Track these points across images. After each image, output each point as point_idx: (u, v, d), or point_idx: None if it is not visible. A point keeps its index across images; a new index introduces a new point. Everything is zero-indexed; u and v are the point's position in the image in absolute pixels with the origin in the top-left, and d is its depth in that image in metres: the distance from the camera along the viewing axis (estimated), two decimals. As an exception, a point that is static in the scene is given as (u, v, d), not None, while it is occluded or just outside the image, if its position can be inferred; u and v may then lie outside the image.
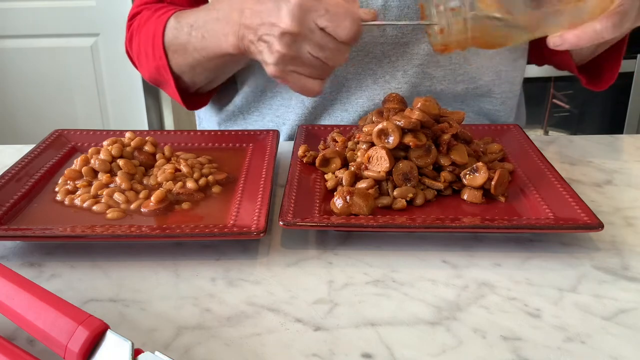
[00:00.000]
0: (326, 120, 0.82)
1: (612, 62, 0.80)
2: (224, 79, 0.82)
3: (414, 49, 0.78)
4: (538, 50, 0.88)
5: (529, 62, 0.91)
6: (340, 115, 0.81)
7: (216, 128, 0.91)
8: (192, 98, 0.83)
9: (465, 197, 0.58)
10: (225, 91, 0.87)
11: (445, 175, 0.59)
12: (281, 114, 0.83)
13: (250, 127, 0.86)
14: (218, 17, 0.70)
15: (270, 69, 0.63)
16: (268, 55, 0.63)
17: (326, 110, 0.82)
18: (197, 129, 0.99)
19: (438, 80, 0.80)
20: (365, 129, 0.62)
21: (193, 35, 0.72)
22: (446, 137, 0.59)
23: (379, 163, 0.58)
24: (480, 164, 0.59)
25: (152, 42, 0.77)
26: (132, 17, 0.85)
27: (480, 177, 0.58)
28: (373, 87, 0.80)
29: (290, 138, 0.82)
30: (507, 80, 0.86)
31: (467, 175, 0.58)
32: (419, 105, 0.60)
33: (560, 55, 0.84)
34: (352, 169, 0.60)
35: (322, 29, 0.60)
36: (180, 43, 0.74)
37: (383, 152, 0.58)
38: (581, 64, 0.84)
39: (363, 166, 0.59)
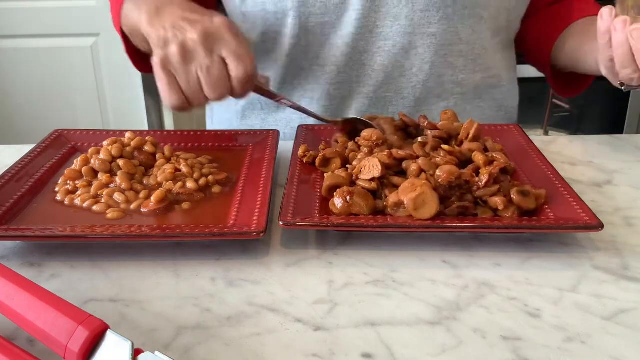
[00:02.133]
0: (352, 114, 0.82)
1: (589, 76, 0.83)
2: None
3: (440, 39, 0.78)
4: (522, 42, 0.91)
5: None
6: (369, 110, 0.82)
7: (233, 118, 0.91)
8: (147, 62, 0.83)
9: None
10: None
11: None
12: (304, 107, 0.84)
13: (269, 118, 0.87)
14: (145, 8, 0.68)
15: (157, 56, 0.63)
16: (163, 43, 0.62)
17: (351, 102, 0.82)
18: (208, 117, 0.98)
19: (459, 69, 0.81)
20: (364, 133, 0.63)
21: (132, 5, 0.72)
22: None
23: (370, 171, 0.58)
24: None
25: (115, 5, 0.77)
26: None
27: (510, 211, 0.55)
28: (400, 80, 0.80)
29: None
30: (511, 66, 0.89)
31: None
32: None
33: (539, 54, 0.87)
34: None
35: (221, 58, 0.61)
36: (125, 12, 0.74)
37: (376, 161, 0.58)
38: (558, 70, 0.86)
39: (355, 176, 0.59)
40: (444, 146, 0.61)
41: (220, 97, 0.62)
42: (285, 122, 0.85)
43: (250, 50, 0.62)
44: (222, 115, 0.94)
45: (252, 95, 0.86)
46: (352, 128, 0.70)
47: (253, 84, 0.64)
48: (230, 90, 0.63)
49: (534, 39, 0.89)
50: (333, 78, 0.81)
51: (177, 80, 0.62)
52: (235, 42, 0.61)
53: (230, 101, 0.91)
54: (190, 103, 0.63)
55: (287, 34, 0.78)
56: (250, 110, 0.88)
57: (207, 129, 0.99)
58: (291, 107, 0.72)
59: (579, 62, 0.79)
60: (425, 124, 0.66)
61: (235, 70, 0.61)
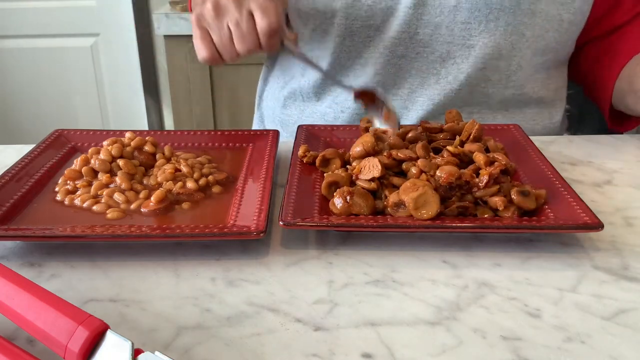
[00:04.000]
0: None
1: None
2: None
3: (479, 52, 0.79)
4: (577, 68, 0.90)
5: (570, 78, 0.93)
6: (401, 112, 0.82)
7: (276, 106, 0.93)
8: None
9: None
10: (293, 69, 0.89)
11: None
12: (340, 102, 0.84)
13: (307, 110, 0.88)
14: None
15: (194, 13, 0.66)
16: (197, 8, 0.66)
17: None
18: (256, 106, 1.01)
19: (493, 83, 0.82)
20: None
21: None
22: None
23: (370, 171, 0.58)
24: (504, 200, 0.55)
25: None
26: None
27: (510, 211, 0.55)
28: (435, 87, 0.80)
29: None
30: (556, 87, 0.88)
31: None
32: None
33: (601, 87, 0.85)
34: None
35: (250, 12, 0.64)
36: None
37: (375, 161, 0.58)
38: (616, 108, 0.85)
39: (354, 176, 0.59)
40: (449, 147, 0.61)
41: (249, 50, 0.66)
42: (320, 115, 0.87)
43: (278, 4, 0.64)
44: (268, 103, 0.96)
45: (293, 86, 0.88)
46: (369, 98, 0.71)
47: (278, 39, 0.66)
48: (259, 43, 0.65)
49: (592, 74, 0.87)
50: (371, 78, 0.82)
51: (210, 35, 0.66)
52: None
53: (276, 91, 0.92)
54: (222, 56, 0.67)
55: (334, 32, 0.80)
56: (291, 100, 0.90)
57: (254, 115, 1.02)
58: (313, 67, 0.73)
59: None
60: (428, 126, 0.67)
61: (261, 23, 0.63)
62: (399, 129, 0.67)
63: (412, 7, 0.77)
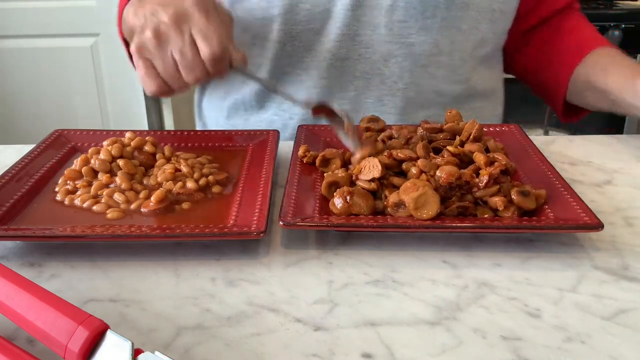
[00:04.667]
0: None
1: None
2: None
3: (419, 49, 0.79)
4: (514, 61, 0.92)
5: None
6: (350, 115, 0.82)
7: (220, 117, 0.92)
8: None
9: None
10: (233, 82, 0.88)
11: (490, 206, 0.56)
12: (286, 109, 0.83)
13: (252, 119, 0.87)
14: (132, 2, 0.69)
15: (133, 43, 0.63)
16: (140, 30, 0.62)
17: None
18: (196, 116, 0.99)
19: (440, 80, 0.81)
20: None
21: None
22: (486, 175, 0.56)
23: (370, 171, 0.58)
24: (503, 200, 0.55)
25: (120, 11, 0.77)
26: None
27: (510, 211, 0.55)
28: (380, 87, 0.80)
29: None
30: (496, 78, 0.90)
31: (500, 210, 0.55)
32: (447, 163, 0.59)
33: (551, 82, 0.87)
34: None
35: (192, 38, 0.60)
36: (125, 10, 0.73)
37: (376, 161, 0.58)
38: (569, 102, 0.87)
39: (354, 176, 0.59)
40: (449, 147, 0.61)
41: (197, 79, 0.62)
42: (267, 123, 0.86)
43: (219, 26, 0.61)
44: (209, 113, 0.95)
45: (235, 97, 0.87)
46: (327, 113, 0.69)
47: (225, 63, 0.62)
48: (207, 71, 0.62)
49: (542, 71, 0.89)
50: (315, 83, 0.82)
51: (154, 66, 0.62)
52: (202, 20, 0.60)
53: (217, 101, 0.91)
54: (170, 87, 0.63)
55: (273, 39, 0.80)
56: (234, 110, 0.89)
57: (196, 125, 1.00)
58: (265, 86, 0.72)
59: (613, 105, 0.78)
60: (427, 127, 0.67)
61: (204, 50, 0.60)
62: (360, 140, 0.65)
63: (349, 9, 0.77)
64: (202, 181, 0.61)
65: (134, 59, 0.63)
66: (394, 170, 0.59)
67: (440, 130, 0.67)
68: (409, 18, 0.77)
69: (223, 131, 0.75)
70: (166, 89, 0.63)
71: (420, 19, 0.77)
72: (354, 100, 0.82)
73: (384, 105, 0.82)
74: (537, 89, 0.93)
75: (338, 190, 0.56)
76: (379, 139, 0.67)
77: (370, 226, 0.53)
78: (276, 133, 0.72)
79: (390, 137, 0.68)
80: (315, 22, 0.78)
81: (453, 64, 0.82)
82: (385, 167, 0.58)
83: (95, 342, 0.37)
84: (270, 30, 0.79)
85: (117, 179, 0.61)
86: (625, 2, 1.96)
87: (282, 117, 0.84)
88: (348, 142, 0.64)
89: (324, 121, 0.69)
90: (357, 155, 0.61)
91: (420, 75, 0.81)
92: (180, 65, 0.61)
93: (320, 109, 0.69)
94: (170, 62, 0.61)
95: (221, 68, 0.62)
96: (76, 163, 0.63)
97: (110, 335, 0.37)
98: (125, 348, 0.36)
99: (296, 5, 0.77)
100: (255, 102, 0.86)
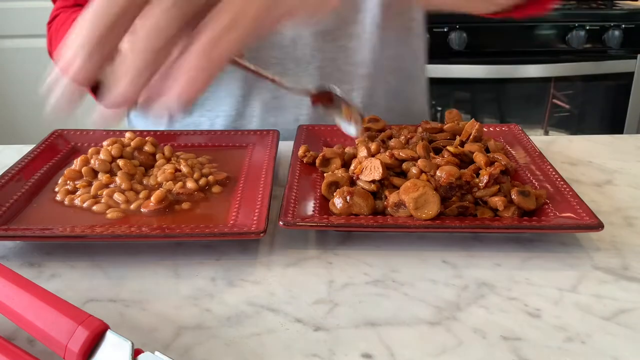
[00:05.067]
0: (257, 109, 0.82)
1: None
2: None
3: (326, 26, 0.79)
4: None
5: None
6: (271, 102, 0.82)
7: (149, 122, 0.90)
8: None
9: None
10: None
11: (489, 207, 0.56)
12: (212, 108, 0.83)
13: (178, 125, 0.86)
14: None
15: None
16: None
17: (255, 98, 0.82)
18: (127, 123, 0.98)
19: (352, 52, 0.81)
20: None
21: None
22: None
23: (371, 173, 0.58)
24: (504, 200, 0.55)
25: None
26: (50, 21, 0.85)
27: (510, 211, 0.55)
28: (296, 70, 0.81)
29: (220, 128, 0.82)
30: (408, 51, 0.89)
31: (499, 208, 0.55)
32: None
33: None
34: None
35: None
36: None
37: (377, 162, 0.58)
38: None
39: (355, 176, 0.59)
40: (449, 147, 0.61)
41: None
42: (195, 125, 0.85)
43: None
44: (139, 121, 0.93)
45: None
46: (326, 100, 0.70)
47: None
48: None
49: None
50: (234, 75, 0.81)
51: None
52: None
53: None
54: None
55: None
56: (157, 118, 0.88)
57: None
58: (263, 77, 0.69)
59: None
60: (429, 127, 0.67)
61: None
62: (362, 121, 0.66)
63: None
64: (202, 181, 0.61)
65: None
66: (395, 170, 0.59)
67: (441, 131, 0.67)
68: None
69: (223, 131, 0.75)
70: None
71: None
72: (273, 87, 0.81)
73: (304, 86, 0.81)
74: None
75: (338, 190, 0.56)
76: (378, 139, 0.67)
77: (370, 226, 0.53)
78: (276, 133, 0.72)
79: (390, 137, 0.68)
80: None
81: (363, 34, 0.81)
82: (386, 167, 0.58)
83: (95, 342, 0.37)
84: None
85: (117, 179, 0.61)
86: (625, 2, 1.96)
87: (209, 116, 0.84)
88: (349, 128, 0.64)
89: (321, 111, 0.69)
90: (359, 137, 0.61)
91: (332, 50, 0.80)
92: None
93: (320, 96, 0.69)
94: None
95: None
96: (76, 163, 0.63)
97: (110, 336, 0.37)
98: (125, 348, 0.36)
99: None
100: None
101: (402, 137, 0.66)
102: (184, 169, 0.63)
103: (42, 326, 0.38)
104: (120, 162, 0.62)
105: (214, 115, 0.84)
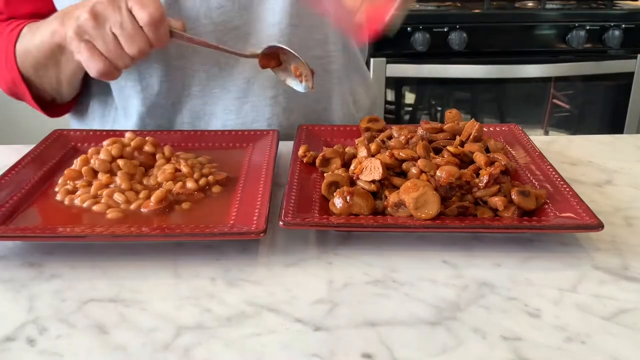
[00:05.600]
0: (186, 117, 0.80)
1: None
2: (72, 84, 0.79)
3: (244, 30, 0.76)
4: None
5: None
6: (202, 108, 0.80)
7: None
8: (53, 108, 0.83)
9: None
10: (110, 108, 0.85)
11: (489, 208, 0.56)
12: (136, 121, 0.81)
13: (107, 124, 0.84)
14: (55, 16, 0.71)
15: (70, 29, 0.64)
16: (73, 23, 0.64)
17: (184, 106, 0.80)
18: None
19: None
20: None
21: (31, 37, 0.73)
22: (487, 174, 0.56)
23: (371, 173, 0.58)
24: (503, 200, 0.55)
25: (5, 55, 0.76)
26: None
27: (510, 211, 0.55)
28: (221, 75, 0.78)
29: (140, 126, 0.80)
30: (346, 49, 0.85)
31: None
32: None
33: None
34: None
35: (129, 10, 0.62)
36: (24, 48, 0.74)
37: (377, 162, 0.58)
38: None
39: (355, 176, 0.59)
40: (449, 147, 0.61)
41: (141, 51, 0.64)
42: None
43: None
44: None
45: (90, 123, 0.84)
46: (273, 61, 0.69)
47: (165, 29, 0.64)
48: (148, 40, 0.63)
49: None
50: (159, 88, 0.78)
51: (95, 46, 0.63)
52: None
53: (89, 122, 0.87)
54: (115, 66, 0.65)
55: None
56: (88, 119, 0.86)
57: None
58: (209, 47, 0.69)
59: None
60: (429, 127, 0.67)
61: (141, 15, 0.62)
62: (312, 76, 0.66)
63: (168, 8, 0.72)
64: (202, 181, 0.61)
65: (73, 45, 0.65)
66: (395, 170, 0.59)
67: (441, 130, 0.67)
68: (225, 2, 0.74)
69: (223, 131, 0.75)
70: (111, 68, 0.65)
71: (236, 0, 0.74)
72: (201, 94, 0.78)
73: (229, 91, 0.79)
74: None
75: (338, 190, 0.56)
76: (378, 139, 0.67)
77: (370, 226, 0.53)
78: (276, 133, 0.72)
79: (390, 137, 0.68)
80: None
81: (281, 35, 0.76)
82: (386, 167, 0.58)
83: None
84: None
85: (117, 179, 0.61)
86: (625, 2, 1.96)
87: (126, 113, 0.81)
88: (298, 85, 0.64)
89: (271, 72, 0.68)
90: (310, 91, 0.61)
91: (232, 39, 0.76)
92: (121, 39, 0.63)
93: (268, 57, 0.68)
94: (111, 38, 0.63)
95: (161, 34, 0.64)
96: (76, 163, 0.63)
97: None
98: None
99: None
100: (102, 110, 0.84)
101: (402, 137, 0.66)
102: (184, 169, 0.63)
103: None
104: (120, 162, 0.62)
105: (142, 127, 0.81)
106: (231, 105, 0.79)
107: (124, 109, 0.81)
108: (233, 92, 0.79)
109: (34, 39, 0.72)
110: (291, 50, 0.68)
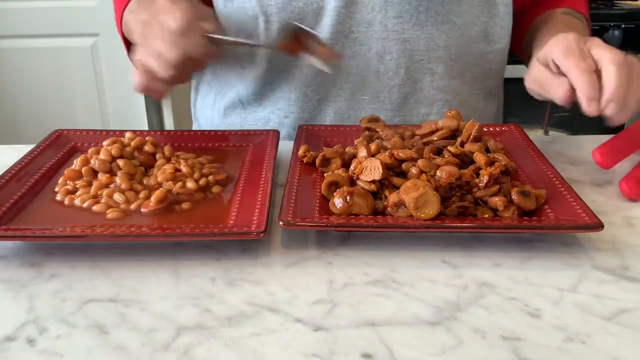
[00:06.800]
0: (330, 116, 0.82)
1: None
2: None
3: (414, 45, 0.79)
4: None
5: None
6: (347, 113, 0.82)
7: (215, 116, 0.91)
8: None
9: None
10: (228, 79, 0.88)
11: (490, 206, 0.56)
12: (282, 107, 0.83)
13: (250, 117, 0.87)
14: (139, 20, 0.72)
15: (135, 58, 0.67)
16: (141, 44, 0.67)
17: (328, 103, 0.82)
18: (192, 116, 0.99)
19: (440, 75, 0.81)
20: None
21: (133, 16, 0.74)
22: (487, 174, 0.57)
23: (371, 173, 0.58)
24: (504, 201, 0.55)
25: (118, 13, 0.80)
26: None
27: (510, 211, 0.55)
28: (376, 84, 0.80)
29: (294, 132, 0.82)
30: (493, 76, 0.88)
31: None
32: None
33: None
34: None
35: (161, 23, 0.65)
36: (126, 21, 0.76)
37: (377, 162, 0.58)
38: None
39: (355, 176, 0.59)
40: (450, 147, 0.61)
41: (177, 57, 0.64)
42: (264, 121, 0.86)
43: (182, 3, 0.65)
44: (203, 113, 0.94)
45: (232, 95, 0.87)
46: (297, 45, 0.70)
47: (195, 34, 0.65)
48: (179, 45, 0.65)
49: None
50: (310, 80, 0.81)
51: (143, 64, 0.66)
52: (166, 4, 0.65)
53: (210, 101, 0.91)
54: (156, 81, 0.67)
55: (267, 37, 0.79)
56: (231, 109, 0.89)
57: (193, 125, 1.00)
58: (237, 45, 0.71)
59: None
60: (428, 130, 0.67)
61: (168, 24, 0.64)
62: (332, 53, 0.68)
63: (343, 7, 0.77)
64: (202, 181, 0.61)
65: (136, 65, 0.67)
66: (395, 170, 0.59)
67: (440, 130, 0.67)
68: (404, 14, 0.77)
69: (223, 131, 0.75)
70: (151, 83, 0.67)
71: (414, 14, 0.78)
72: (350, 97, 0.82)
73: (381, 102, 0.82)
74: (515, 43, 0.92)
75: (338, 190, 0.56)
76: (378, 139, 0.67)
77: (370, 226, 0.53)
78: (276, 133, 0.72)
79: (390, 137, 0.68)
80: (309, 20, 0.78)
81: (451, 59, 0.81)
82: (386, 167, 0.58)
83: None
84: (264, 28, 0.79)
85: (117, 179, 0.61)
86: (625, 2, 1.96)
87: (278, 115, 0.84)
88: (323, 65, 0.65)
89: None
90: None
91: (417, 70, 0.80)
92: (160, 49, 0.65)
93: (289, 42, 0.69)
94: (151, 52, 0.65)
95: (194, 40, 0.65)
96: (76, 163, 0.63)
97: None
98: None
99: (289, 3, 0.77)
100: (254, 100, 0.86)
101: (397, 136, 0.66)
102: (184, 169, 0.63)
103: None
104: (120, 162, 0.62)
105: (282, 115, 0.84)
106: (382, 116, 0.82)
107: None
108: (387, 104, 0.82)
109: (130, 25, 0.74)
110: (309, 31, 0.68)
